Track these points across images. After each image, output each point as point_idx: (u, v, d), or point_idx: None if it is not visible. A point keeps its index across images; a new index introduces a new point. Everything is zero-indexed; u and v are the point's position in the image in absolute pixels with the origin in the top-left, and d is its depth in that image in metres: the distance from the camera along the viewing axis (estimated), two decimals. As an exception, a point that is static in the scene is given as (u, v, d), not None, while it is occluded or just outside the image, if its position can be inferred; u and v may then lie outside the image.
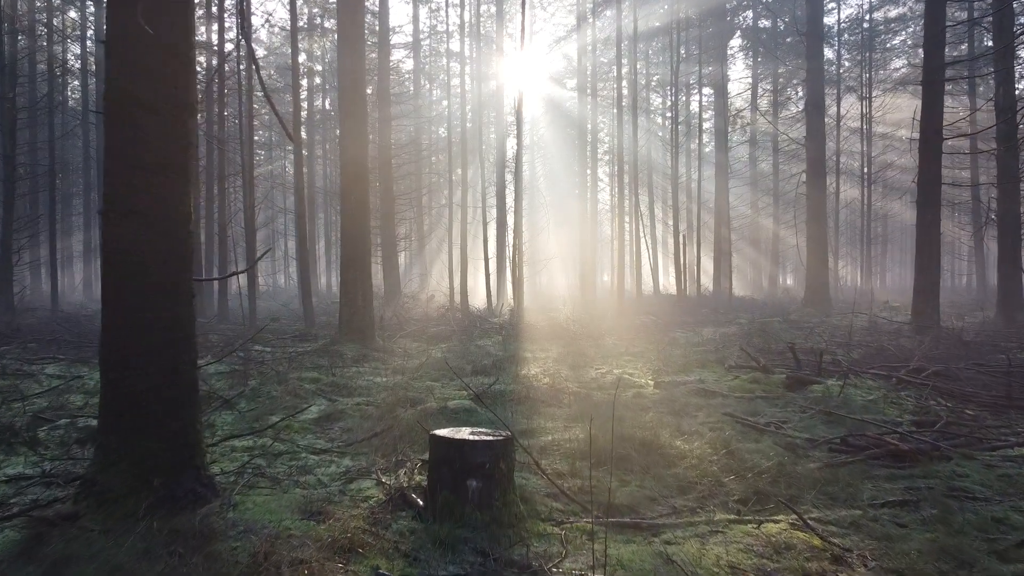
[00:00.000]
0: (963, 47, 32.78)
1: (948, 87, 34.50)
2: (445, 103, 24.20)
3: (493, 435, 3.33)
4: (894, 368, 6.69)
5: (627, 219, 23.63)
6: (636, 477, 3.94)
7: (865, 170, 32.18)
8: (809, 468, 4.08)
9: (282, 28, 34.71)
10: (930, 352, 7.34)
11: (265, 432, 4.81)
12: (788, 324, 14.07)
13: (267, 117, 40.57)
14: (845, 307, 21.68)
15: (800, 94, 41.18)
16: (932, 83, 9.83)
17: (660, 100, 43.26)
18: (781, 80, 36.86)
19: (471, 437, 3.23)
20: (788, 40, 35.57)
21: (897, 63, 39.64)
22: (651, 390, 6.59)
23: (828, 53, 32.85)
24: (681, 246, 24.46)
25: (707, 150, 38.17)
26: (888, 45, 37.05)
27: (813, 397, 5.72)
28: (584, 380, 7.24)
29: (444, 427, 4.96)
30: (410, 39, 32.03)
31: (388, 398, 6.03)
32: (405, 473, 3.77)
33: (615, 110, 38.33)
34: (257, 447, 4.48)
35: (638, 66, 28.72)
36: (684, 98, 37.33)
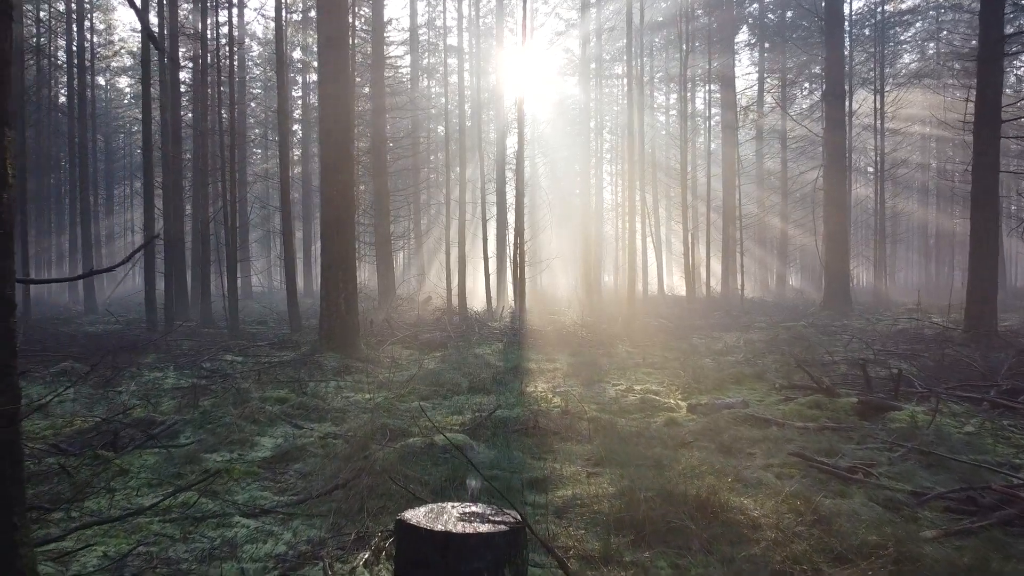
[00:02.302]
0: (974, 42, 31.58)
1: (950, 81, 33.49)
2: (443, 100, 23.10)
3: (493, 519, 2.17)
4: (979, 388, 5.55)
5: (636, 217, 22.44)
6: (696, 562, 2.78)
7: (872, 168, 31.05)
8: (931, 541, 2.93)
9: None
10: (1016, 367, 6.20)
11: (196, 483, 3.65)
12: (816, 329, 12.90)
13: (263, 115, 39.48)
14: (865, 309, 20.52)
15: (807, 91, 40.07)
16: (990, 59, 8.68)
17: (663, 98, 42.31)
18: (790, 76, 35.79)
19: (460, 528, 2.07)
20: (795, 35, 34.57)
21: (907, 58, 38.62)
22: (685, 415, 5.43)
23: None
24: (690, 245, 23.32)
25: (713, 147, 37.11)
26: (900, 38, 36.00)
27: (896, 429, 4.56)
28: (602, 401, 6.08)
29: (429, 475, 3.80)
30: (407, 35, 30.94)
31: (364, 427, 4.86)
32: (366, 562, 2.61)
33: (616, 108, 37.22)
34: (175, 507, 3.32)
35: (643, 61, 27.64)
36: (689, 94, 36.26)
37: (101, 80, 42.46)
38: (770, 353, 9.14)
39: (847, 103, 30.21)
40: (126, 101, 46.41)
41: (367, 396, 6.72)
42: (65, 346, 10.42)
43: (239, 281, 35.35)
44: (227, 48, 16.68)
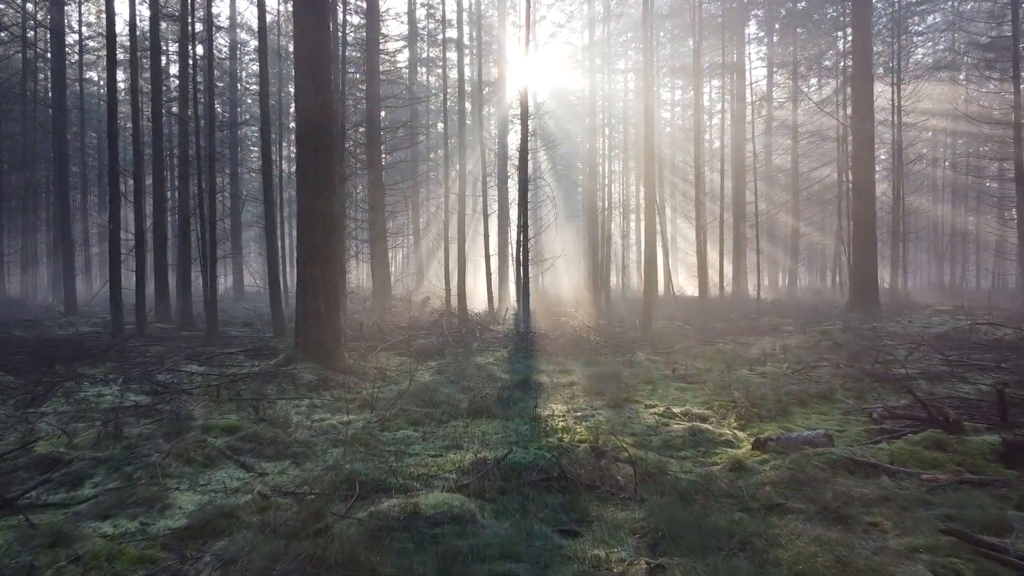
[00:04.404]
0: (1003, 28, 30.55)
1: (961, 75, 32.26)
2: (443, 94, 21.90)
3: None
4: None
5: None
6: None
7: (880, 164, 29.86)
8: None
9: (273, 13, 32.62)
10: None
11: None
12: (853, 333, 11.63)
13: (256, 108, 38.21)
14: (891, 310, 19.25)
15: (815, 86, 38.83)
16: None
17: (669, 94, 41.23)
18: (801, 69, 34.62)
19: None
20: (808, 26, 33.50)
21: (920, 52, 37.46)
22: (752, 454, 4.14)
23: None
24: (703, 243, 22.09)
25: (717, 145, 35.93)
26: (916, 29, 34.81)
27: (1066, 483, 3.30)
28: (638, 431, 4.80)
29: (410, 569, 2.53)
30: (406, 28, 29.73)
31: (327, 476, 3.59)
32: None
33: (620, 104, 36.08)
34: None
35: (649, 55, 26.44)
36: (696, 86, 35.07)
37: (94, 75, 41.28)
38: (820, 363, 7.86)
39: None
40: (120, 97, 45.15)
41: (345, 419, 5.47)
42: (10, 353, 9.15)
43: (230, 280, 34.01)
44: (206, 31, 15.46)
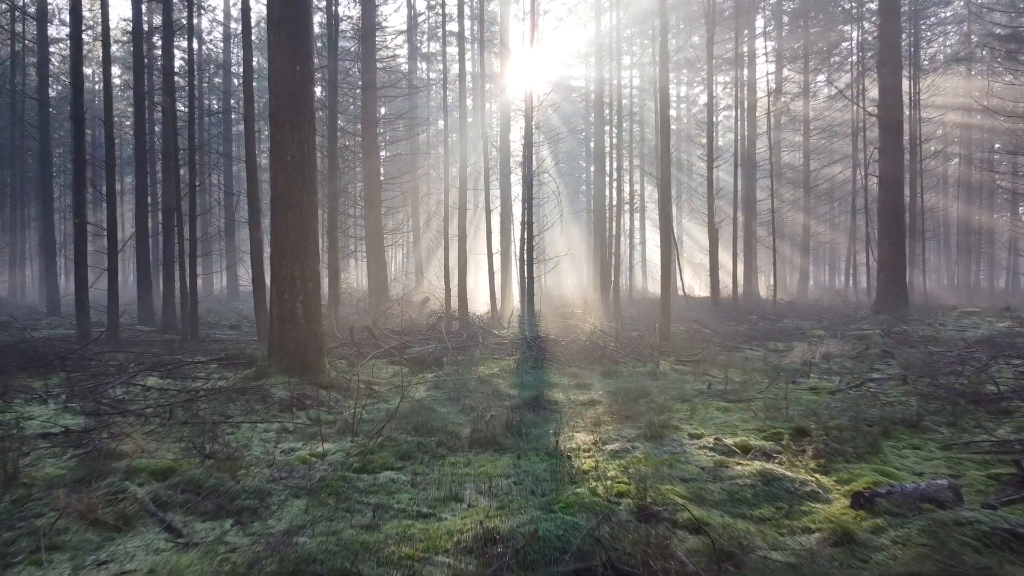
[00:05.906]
0: (1022, 19, 29.56)
1: (977, 68, 31.16)
2: (444, 87, 20.79)
3: None
4: None
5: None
6: None
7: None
8: None
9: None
10: None
11: None
12: (893, 338, 10.54)
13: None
14: (919, 311, 18.15)
15: (824, 80, 37.82)
16: None
17: (674, 89, 40.26)
18: (812, 63, 33.58)
19: None
20: (819, 18, 32.54)
21: (935, 46, 36.39)
22: (854, 516, 3.06)
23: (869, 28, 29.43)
24: (715, 242, 21.06)
25: (722, 142, 34.93)
26: (932, 19, 33.74)
27: None
28: (690, 475, 3.71)
29: None
30: (404, 24, 28.70)
31: (266, 564, 2.53)
32: None
33: (624, 101, 35.07)
34: None
35: (655, 48, 25.38)
36: (700, 79, 34.05)
37: (89, 71, 40.33)
38: (875, 375, 6.77)
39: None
40: (116, 93, 44.11)
41: (319, 449, 4.42)
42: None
43: (224, 279, 32.86)
44: (189, 12, 14.38)
